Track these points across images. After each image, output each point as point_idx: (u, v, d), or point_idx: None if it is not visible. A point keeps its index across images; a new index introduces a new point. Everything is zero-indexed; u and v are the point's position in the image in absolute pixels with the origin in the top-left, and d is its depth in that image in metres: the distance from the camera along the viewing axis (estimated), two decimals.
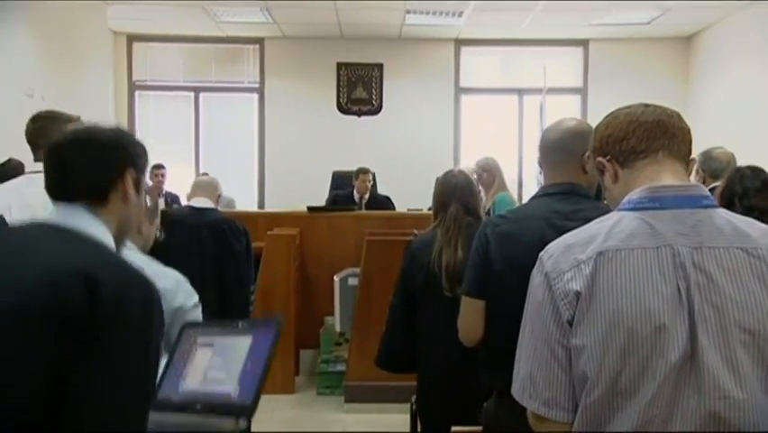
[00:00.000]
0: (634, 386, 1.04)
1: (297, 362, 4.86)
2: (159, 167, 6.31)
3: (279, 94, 7.75)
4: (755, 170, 2.81)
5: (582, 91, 7.79)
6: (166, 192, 6.39)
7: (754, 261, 1.07)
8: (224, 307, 3.17)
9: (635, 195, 1.14)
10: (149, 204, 1.80)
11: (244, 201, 7.57)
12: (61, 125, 2.39)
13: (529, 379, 1.12)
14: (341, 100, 7.76)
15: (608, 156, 1.20)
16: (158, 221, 1.93)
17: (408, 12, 6.65)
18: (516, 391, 1.16)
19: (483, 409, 1.78)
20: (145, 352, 1.00)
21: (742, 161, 6.52)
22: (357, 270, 4.50)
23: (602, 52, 7.68)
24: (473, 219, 2.48)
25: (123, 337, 0.97)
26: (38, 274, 0.98)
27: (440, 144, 7.67)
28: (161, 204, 6.03)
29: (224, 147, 7.93)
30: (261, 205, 7.73)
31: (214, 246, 3.20)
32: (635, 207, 1.12)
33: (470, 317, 1.79)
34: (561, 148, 1.74)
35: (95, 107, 5.96)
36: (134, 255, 1.59)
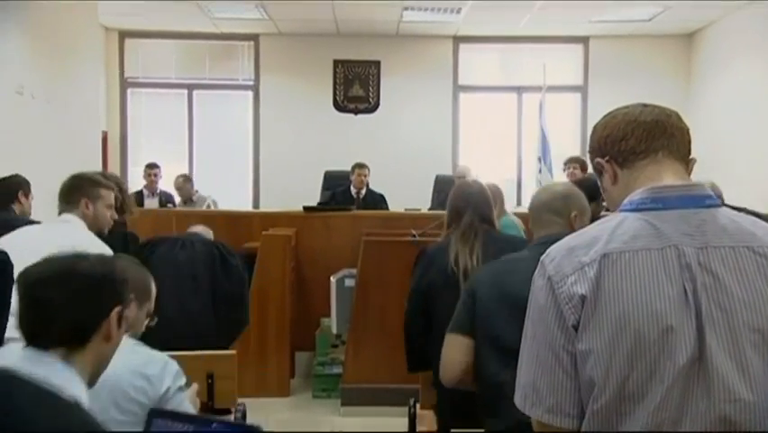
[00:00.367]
0: (642, 390, 1.03)
1: (293, 364, 4.86)
2: (152, 166, 6.31)
3: (275, 91, 7.75)
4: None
5: (582, 89, 7.80)
6: (160, 191, 6.39)
7: (761, 259, 1.06)
8: (220, 318, 3.12)
9: (636, 196, 1.14)
10: (139, 283, 1.83)
11: (239, 201, 7.56)
12: (98, 190, 2.57)
13: (532, 386, 1.11)
14: (337, 98, 7.76)
15: (607, 157, 1.20)
16: (150, 306, 1.92)
17: (406, 8, 6.65)
18: (518, 399, 1.15)
19: None
20: None
21: (744, 160, 6.56)
22: (354, 270, 4.50)
23: (603, 50, 7.69)
24: (489, 227, 2.56)
25: None
26: None
27: (438, 143, 7.68)
28: (155, 203, 6.02)
29: (218, 146, 7.93)
30: (256, 204, 7.72)
31: (209, 258, 3.16)
32: (638, 208, 1.12)
33: (455, 355, 1.89)
34: (551, 210, 1.93)
35: (86, 105, 5.94)
36: (128, 342, 1.62)
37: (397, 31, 7.50)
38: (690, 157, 1.21)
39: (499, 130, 7.91)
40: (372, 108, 7.76)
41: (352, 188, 6.04)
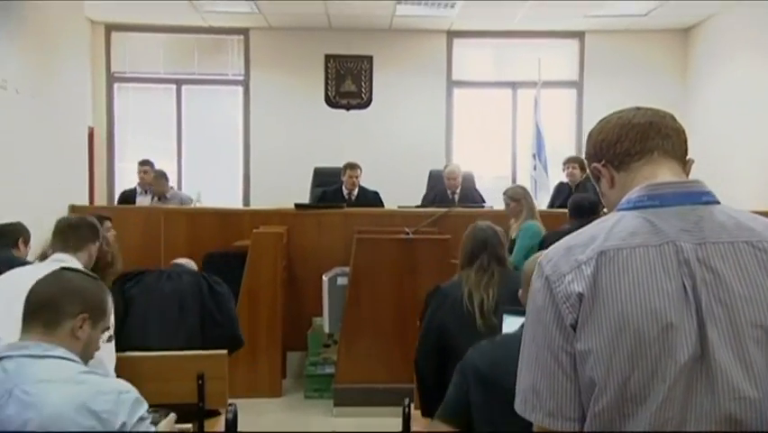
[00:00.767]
0: (644, 390, 1.03)
1: (284, 364, 4.86)
2: (145, 163, 6.27)
3: (265, 87, 7.73)
4: None
5: (578, 85, 7.83)
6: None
7: (761, 254, 1.07)
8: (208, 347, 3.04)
9: (633, 194, 1.15)
10: (95, 299, 1.70)
11: (229, 198, 7.55)
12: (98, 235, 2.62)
13: (532, 390, 1.11)
14: (329, 93, 7.75)
15: (603, 161, 1.22)
16: (105, 324, 1.74)
17: (399, 2, 6.66)
18: (518, 404, 1.15)
19: None
20: None
21: (740, 156, 6.60)
22: (346, 269, 4.50)
23: (598, 45, 7.72)
24: (503, 268, 2.64)
25: None
26: None
27: (431, 140, 7.69)
28: (146, 201, 5.99)
29: (208, 142, 7.90)
30: (247, 202, 7.71)
31: (195, 288, 3.12)
32: (635, 206, 1.14)
33: None
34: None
35: (71, 100, 5.91)
36: (72, 368, 1.53)
37: (390, 25, 7.50)
38: (688, 158, 1.22)
39: (494, 126, 7.93)
40: (365, 104, 7.76)
41: (343, 188, 6.00)
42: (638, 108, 1.24)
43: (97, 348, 1.72)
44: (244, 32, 7.72)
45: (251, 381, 4.39)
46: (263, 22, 7.44)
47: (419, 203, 6.01)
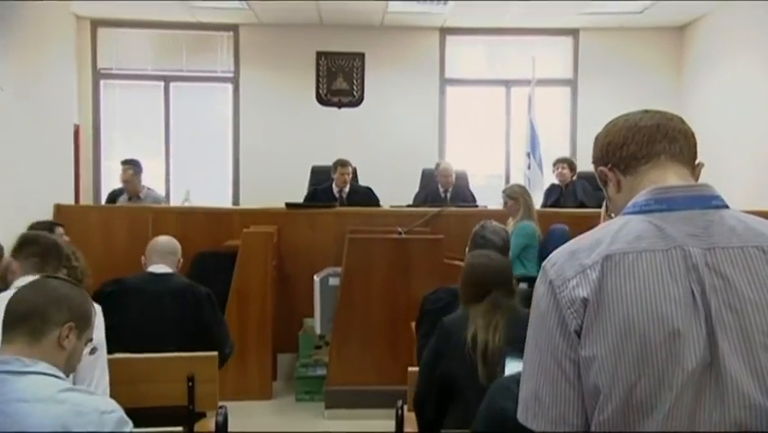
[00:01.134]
0: (650, 398, 1.02)
1: (275, 366, 4.86)
2: (125, 163, 6.22)
3: (255, 84, 7.72)
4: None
5: (572, 83, 7.86)
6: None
7: None
8: None
9: (640, 198, 1.15)
10: (81, 309, 1.66)
11: (218, 197, 7.53)
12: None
13: (534, 397, 1.10)
14: (320, 91, 7.75)
15: (610, 164, 1.22)
16: (90, 334, 1.72)
17: None
18: (520, 412, 1.14)
19: None
20: None
21: (736, 154, 6.64)
22: (338, 269, 4.51)
23: (593, 42, 7.76)
24: (514, 302, 2.43)
25: None
26: None
27: (424, 138, 7.69)
28: (158, 200, 5.92)
29: (196, 140, 7.87)
30: (236, 201, 7.69)
31: (178, 313, 2.98)
32: (642, 210, 1.13)
33: None
34: None
35: (57, 97, 5.87)
36: (53, 385, 1.48)
37: (382, 22, 7.50)
38: (697, 162, 1.22)
39: (487, 124, 7.95)
40: (356, 102, 7.76)
41: (333, 186, 6.00)
42: (646, 111, 1.23)
43: (80, 360, 1.70)
44: (234, 28, 7.70)
45: (240, 383, 4.38)
46: (253, 18, 7.42)
47: (409, 204, 6.03)
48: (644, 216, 1.12)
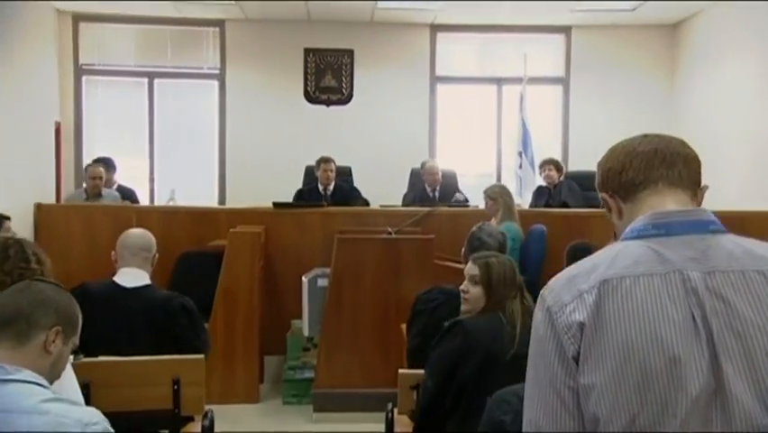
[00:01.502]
0: (654, 426, 1.01)
1: (262, 369, 4.85)
2: (97, 161, 6.10)
3: (242, 81, 7.69)
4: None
5: (564, 81, 7.90)
6: (119, 186, 6.28)
7: None
8: None
9: (638, 223, 1.16)
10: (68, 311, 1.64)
11: (204, 197, 7.50)
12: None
13: (534, 426, 1.11)
14: (308, 88, 7.74)
15: (610, 191, 1.24)
16: (76, 340, 1.69)
17: None
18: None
19: None
20: None
21: (729, 152, 6.70)
22: (327, 270, 4.51)
23: (585, 40, 7.80)
24: (532, 303, 2.35)
25: None
26: None
27: (414, 136, 7.71)
28: (117, 199, 5.87)
29: (181, 138, 7.84)
30: (222, 201, 7.67)
31: (152, 332, 2.78)
32: (640, 235, 1.14)
33: None
34: None
35: (38, 94, 5.83)
36: (36, 394, 1.46)
37: (371, 18, 7.50)
38: (702, 185, 1.22)
39: (478, 123, 7.97)
40: (345, 99, 7.76)
41: (319, 185, 6.00)
42: (645, 135, 1.25)
43: (65, 366, 1.68)
44: (220, 23, 7.68)
45: (227, 386, 4.37)
46: (240, 13, 7.40)
47: (399, 203, 6.03)
48: (642, 241, 1.13)
